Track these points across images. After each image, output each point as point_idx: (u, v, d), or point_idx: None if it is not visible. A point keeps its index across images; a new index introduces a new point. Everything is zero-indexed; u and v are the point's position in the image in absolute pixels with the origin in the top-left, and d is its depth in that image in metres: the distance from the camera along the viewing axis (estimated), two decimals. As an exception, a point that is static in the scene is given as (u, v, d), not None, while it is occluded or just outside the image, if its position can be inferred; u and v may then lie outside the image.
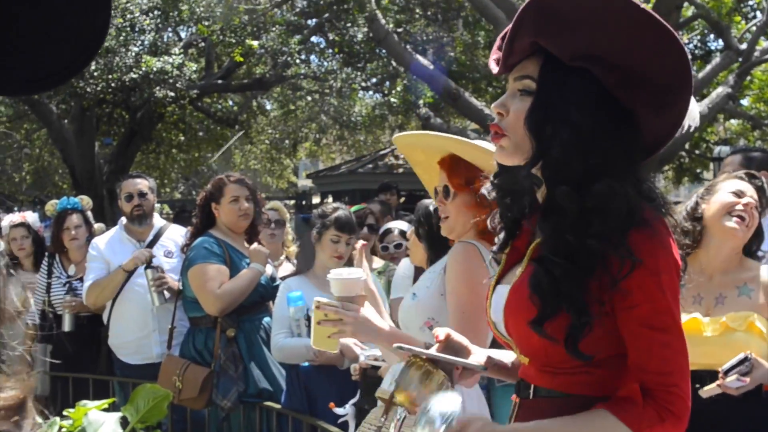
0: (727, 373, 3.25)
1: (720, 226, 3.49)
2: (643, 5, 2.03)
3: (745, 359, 3.23)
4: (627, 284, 2.03)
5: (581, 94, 2.08)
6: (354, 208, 5.86)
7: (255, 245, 5.50)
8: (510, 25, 2.13)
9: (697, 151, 20.89)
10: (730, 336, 3.40)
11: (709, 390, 3.31)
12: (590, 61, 2.06)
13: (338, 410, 4.33)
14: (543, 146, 2.09)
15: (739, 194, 3.51)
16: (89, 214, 6.87)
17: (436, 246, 3.67)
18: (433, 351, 2.31)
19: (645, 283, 2.03)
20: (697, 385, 3.36)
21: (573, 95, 2.08)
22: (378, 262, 6.02)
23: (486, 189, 2.45)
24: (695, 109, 2.17)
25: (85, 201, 6.85)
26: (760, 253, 3.68)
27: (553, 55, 2.10)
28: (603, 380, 2.12)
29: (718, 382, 3.27)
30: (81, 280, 6.21)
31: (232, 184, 5.51)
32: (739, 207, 3.47)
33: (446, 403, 2.08)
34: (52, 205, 6.93)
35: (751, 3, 18.14)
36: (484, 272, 2.88)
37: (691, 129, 2.19)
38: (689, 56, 2.05)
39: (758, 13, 17.84)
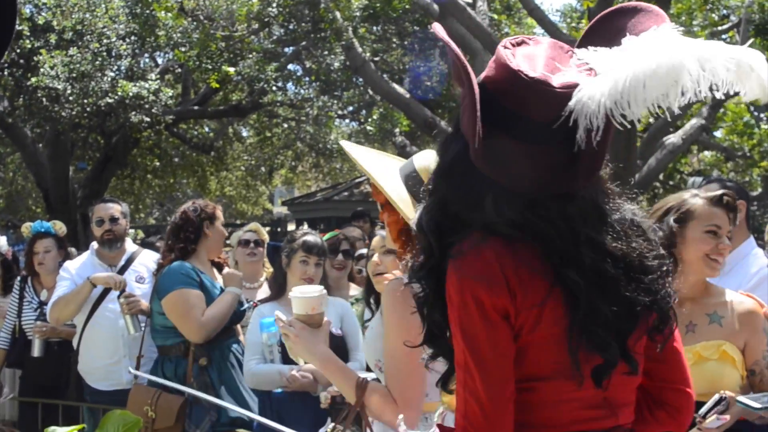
0: (705, 416, 3.24)
1: (698, 267, 3.49)
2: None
3: (721, 399, 3.22)
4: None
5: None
6: (327, 236, 5.84)
7: (227, 269, 5.49)
8: None
9: (671, 182, 21.02)
10: (703, 365, 3.39)
11: None
12: None
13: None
14: None
15: (716, 232, 3.48)
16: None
17: None
18: None
19: (450, 316, 2.01)
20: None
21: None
22: (356, 290, 5.99)
23: None
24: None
25: (58, 226, 6.80)
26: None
27: None
28: None
29: (697, 426, 3.26)
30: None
31: (218, 210, 5.55)
32: (717, 251, 3.47)
33: None
34: (26, 227, 6.90)
35: (724, 37, 18.35)
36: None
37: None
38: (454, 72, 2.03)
39: (731, 47, 18.04)
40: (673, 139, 13.77)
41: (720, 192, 3.58)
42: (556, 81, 1.94)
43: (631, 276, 2.01)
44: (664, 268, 2.08)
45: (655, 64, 1.85)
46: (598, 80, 1.90)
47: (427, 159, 2.89)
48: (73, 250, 7.47)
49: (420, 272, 2.11)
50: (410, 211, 2.73)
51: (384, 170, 2.95)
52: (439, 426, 2.25)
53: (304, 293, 3.19)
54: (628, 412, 2.15)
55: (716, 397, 3.23)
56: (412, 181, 2.87)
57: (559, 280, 1.97)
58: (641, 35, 1.94)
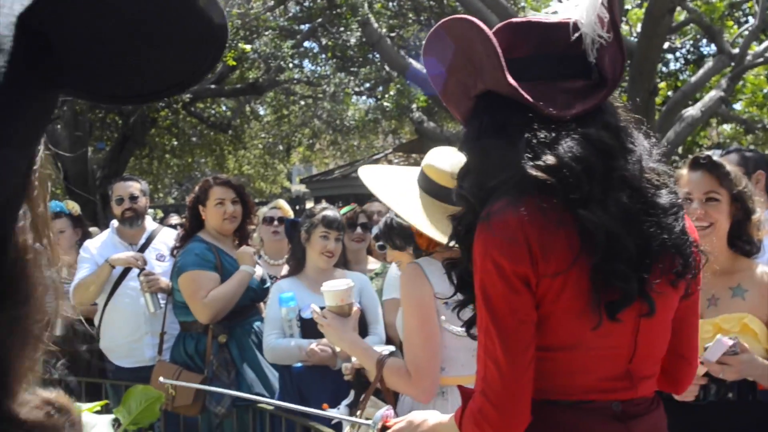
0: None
1: None
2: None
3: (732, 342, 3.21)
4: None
5: None
6: (344, 210, 5.83)
7: (242, 248, 5.47)
8: None
9: (690, 155, 20.88)
10: (723, 338, 3.37)
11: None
12: None
13: (332, 411, 4.31)
14: None
15: (689, 198, 3.47)
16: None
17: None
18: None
19: (474, 278, 2.03)
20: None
21: None
22: (374, 263, 5.99)
23: None
24: None
25: (71, 205, 6.83)
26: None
27: None
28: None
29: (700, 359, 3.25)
30: (73, 283, 6.19)
31: (217, 187, 5.46)
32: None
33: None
34: (44, 207, 6.92)
35: (743, 8, 18.19)
36: (427, 292, 3.02)
37: None
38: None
39: (750, 18, 17.89)
40: (692, 111, 13.66)
41: (696, 155, 3.60)
42: (554, 19, 2.09)
43: (649, 212, 2.00)
44: (675, 206, 2.05)
45: None
46: None
47: (428, 157, 3.23)
48: (95, 229, 7.50)
49: (458, 230, 2.17)
50: (431, 230, 3.02)
51: (403, 194, 3.23)
52: (460, 387, 2.27)
53: (333, 287, 3.59)
54: (649, 384, 2.16)
55: (724, 339, 3.20)
56: (422, 180, 3.21)
57: (580, 234, 1.94)
58: None
